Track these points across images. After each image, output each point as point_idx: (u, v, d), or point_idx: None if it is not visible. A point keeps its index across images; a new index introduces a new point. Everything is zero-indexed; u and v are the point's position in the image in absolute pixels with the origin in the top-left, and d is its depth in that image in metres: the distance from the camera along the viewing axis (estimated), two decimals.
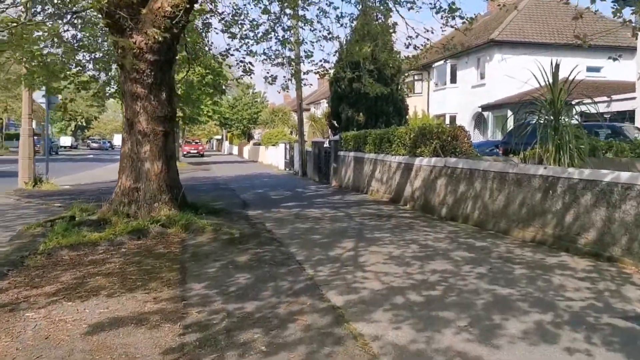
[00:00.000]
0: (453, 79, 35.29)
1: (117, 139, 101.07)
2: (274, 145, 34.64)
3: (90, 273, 6.09)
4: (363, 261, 6.71)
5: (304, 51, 15.33)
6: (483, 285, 5.58)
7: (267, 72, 15.18)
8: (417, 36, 12.83)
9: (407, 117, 24.88)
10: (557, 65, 8.92)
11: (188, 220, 8.78)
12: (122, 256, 6.97)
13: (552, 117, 8.69)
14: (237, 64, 14.75)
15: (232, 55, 14.07)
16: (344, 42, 15.94)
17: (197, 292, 5.36)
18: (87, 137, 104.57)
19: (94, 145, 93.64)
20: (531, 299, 5.12)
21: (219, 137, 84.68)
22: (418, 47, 13.11)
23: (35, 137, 57.76)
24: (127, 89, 8.98)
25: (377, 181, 15.05)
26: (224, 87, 37.96)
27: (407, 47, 13.08)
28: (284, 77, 15.49)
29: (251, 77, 15.05)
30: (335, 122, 24.74)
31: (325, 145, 22.57)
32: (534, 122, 9.57)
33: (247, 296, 5.18)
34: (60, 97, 20.99)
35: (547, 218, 7.81)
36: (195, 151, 55.65)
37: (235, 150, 63.05)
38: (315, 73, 14.22)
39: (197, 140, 62.77)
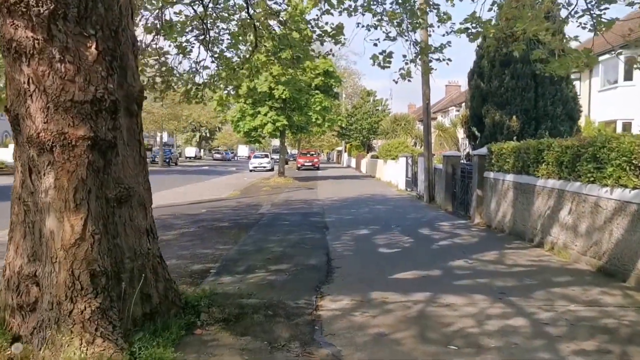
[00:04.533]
0: (628, 76, 27.05)
1: (241, 150, 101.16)
2: (393, 159, 28.61)
3: None
4: None
5: (436, 14, 9.40)
6: None
7: (375, 44, 9.42)
8: None
9: (578, 122, 17.73)
10: None
11: None
12: None
13: None
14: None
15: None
16: None
17: None
18: (213, 148, 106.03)
19: (217, 156, 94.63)
20: None
21: (340, 148, 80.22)
22: None
23: (164, 148, 57.19)
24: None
25: (565, 228, 8.55)
26: (335, 91, 32.82)
27: None
28: (404, 57, 9.55)
29: (342, 44, 9.43)
30: (475, 130, 18.25)
31: (462, 162, 16.18)
32: None
33: None
34: None
35: None
36: (310, 163, 51.51)
37: (353, 162, 57.84)
38: (460, 32, 8.19)
39: (313, 152, 58.52)
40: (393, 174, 28.19)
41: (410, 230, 11.52)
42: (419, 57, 9.90)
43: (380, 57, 9.38)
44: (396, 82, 10.38)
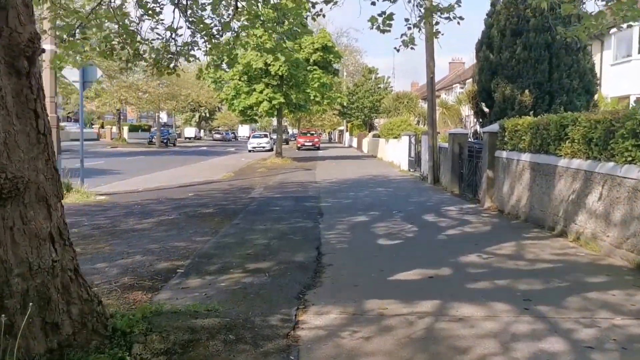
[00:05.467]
0: None
1: (241, 130, 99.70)
2: (395, 137, 27.33)
3: None
4: None
5: None
6: None
7: (373, 3, 8.15)
8: None
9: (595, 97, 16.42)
10: None
11: None
12: None
13: None
14: None
15: None
16: None
17: None
18: (213, 128, 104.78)
19: (217, 136, 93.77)
20: None
21: (342, 127, 78.78)
22: None
23: (162, 129, 56.43)
24: None
25: (595, 216, 7.34)
26: (335, 67, 31.43)
27: None
28: (407, 21, 8.25)
29: (334, 3, 8.18)
30: (483, 106, 16.97)
31: (469, 140, 14.95)
32: None
33: None
34: (99, 73, 15.64)
35: None
36: (311, 143, 50.37)
37: (355, 142, 56.51)
38: None
39: (313, 132, 57.24)
40: (395, 154, 26.96)
41: (413, 217, 10.34)
42: (424, 20, 8.61)
43: (380, 19, 8.09)
44: (397, 50, 9.08)
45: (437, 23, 8.29)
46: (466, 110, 32.12)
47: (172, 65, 8.40)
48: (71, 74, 14.76)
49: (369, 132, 48.10)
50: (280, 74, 26.61)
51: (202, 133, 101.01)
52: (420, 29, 8.82)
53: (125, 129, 69.52)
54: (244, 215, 10.58)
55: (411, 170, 22.24)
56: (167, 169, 24.80)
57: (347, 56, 65.33)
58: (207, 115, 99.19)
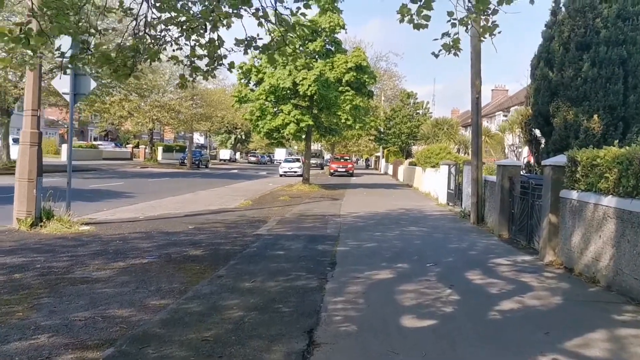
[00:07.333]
0: None
1: (278, 154, 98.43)
2: (433, 166, 24.76)
3: None
4: None
5: None
6: None
7: None
8: None
9: None
10: None
11: None
12: None
13: None
14: None
15: None
16: None
17: None
18: (249, 151, 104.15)
19: (252, 159, 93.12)
20: None
21: (379, 154, 76.44)
22: None
23: (195, 150, 55.20)
24: None
25: None
26: (369, 89, 29.20)
27: None
28: (451, 17, 5.92)
29: None
30: (538, 133, 14.37)
31: (523, 174, 12.38)
32: None
33: None
34: (93, 84, 13.78)
35: None
36: (344, 169, 48.50)
37: (390, 169, 53.99)
38: None
39: (347, 157, 55.19)
40: (433, 185, 24.38)
41: (453, 274, 7.84)
42: (474, 11, 6.24)
43: (414, 7, 5.81)
44: (436, 56, 6.73)
45: (495, 12, 5.91)
46: (510, 139, 29.39)
47: (129, 64, 6.28)
48: (61, 85, 13.00)
49: (406, 159, 45.58)
50: (309, 94, 24.54)
51: (237, 155, 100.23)
52: (468, 27, 6.51)
53: (160, 149, 68.96)
54: (235, 263, 8.30)
55: (450, 204, 19.64)
56: (186, 193, 22.96)
57: (386, 80, 63.31)
58: (243, 137, 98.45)
